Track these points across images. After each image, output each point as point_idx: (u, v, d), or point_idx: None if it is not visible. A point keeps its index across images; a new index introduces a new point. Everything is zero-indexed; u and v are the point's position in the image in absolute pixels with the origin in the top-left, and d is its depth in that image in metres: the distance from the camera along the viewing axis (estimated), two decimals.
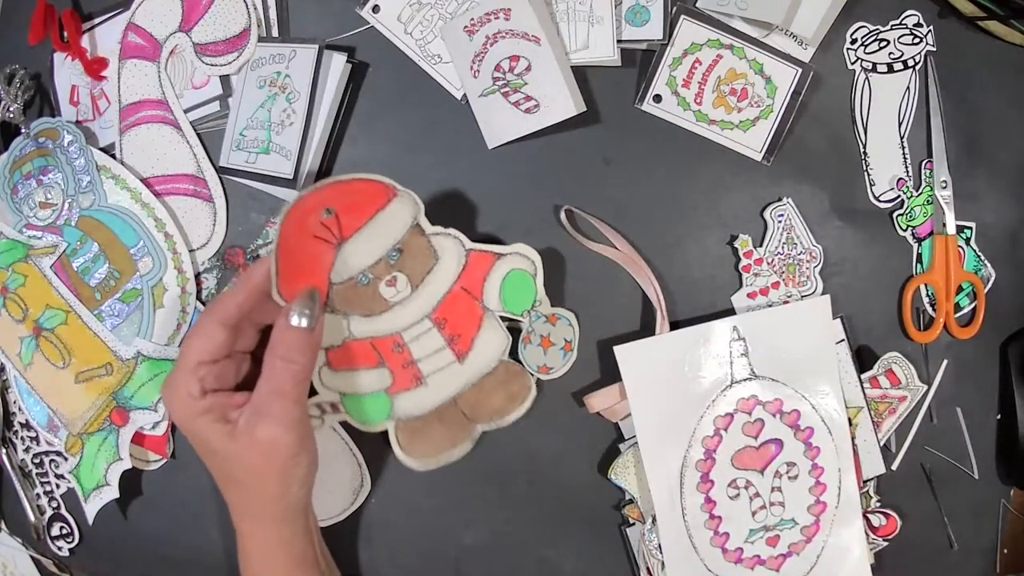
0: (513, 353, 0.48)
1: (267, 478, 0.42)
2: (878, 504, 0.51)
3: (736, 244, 0.50)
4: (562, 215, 0.50)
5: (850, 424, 0.49)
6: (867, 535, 0.50)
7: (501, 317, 0.47)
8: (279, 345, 0.42)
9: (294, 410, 0.41)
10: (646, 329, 0.50)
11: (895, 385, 0.50)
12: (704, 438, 0.48)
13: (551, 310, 0.48)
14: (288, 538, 0.43)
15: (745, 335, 0.48)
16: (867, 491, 0.50)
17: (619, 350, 0.48)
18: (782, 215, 0.49)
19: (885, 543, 0.50)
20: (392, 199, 0.45)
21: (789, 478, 0.48)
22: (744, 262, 0.49)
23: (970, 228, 0.51)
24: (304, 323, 0.42)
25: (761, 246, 0.50)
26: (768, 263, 0.49)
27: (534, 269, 0.47)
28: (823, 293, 0.49)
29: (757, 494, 0.48)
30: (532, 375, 0.48)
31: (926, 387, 0.51)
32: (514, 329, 0.48)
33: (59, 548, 0.59)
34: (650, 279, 0.49)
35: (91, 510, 0.56)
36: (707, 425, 0.48)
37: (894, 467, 0.51)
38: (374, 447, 0.53)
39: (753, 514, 0.48)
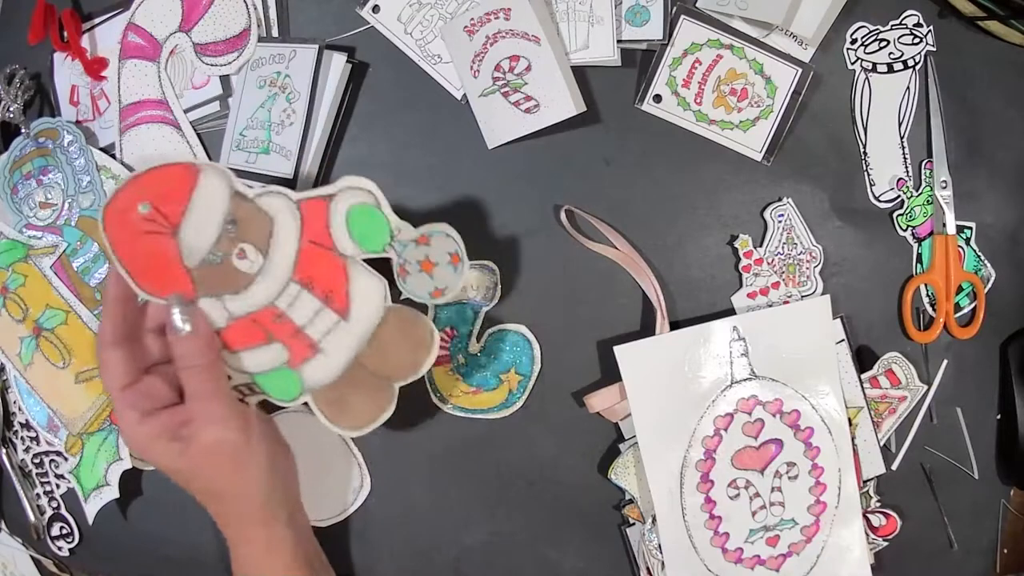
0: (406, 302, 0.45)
1: (230, 480, 0.42)
2: (878, 504, 0.51)
3: (736, 244, 0.50)
4: (562, 215, 0.50)
5: (850, 424, 0.49)
6: (867, 535, 0.50)
7: (368, 261, 0.45)
8: (177, 357, 0.42)
9: (221, 407, 0.42)
10: (646, 329, 0.50)
11: (895, 385, 0.50)
12: (704, 438, 0.48)
13: (418, 231, 0.44)
14: (276, 540, 0.43)
15: (745, 335, 0.48)
16: (867, 491, 0.50)
17: (619, 350, 0.48)
18: (782, 215, 0.49)
19: (885, 543, 0.50)
20: (199, 175, 0.43)
21: (789, 478, 0.48)
22: (744, 262, 0.49)
23: (970, 228, 0.51)
24: (186, 327, 0.42)
25: (761, 246, 0.50)
26: (768, 263, 0.49)
27: (374, 199, 0.43)
28: (823, 293, 0.49)
29: (757, 494, 0.48)
30: (428, 318, 0.45)
31: (926, 387, 0.51)
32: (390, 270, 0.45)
33: (59, 548, 0.59)
34: (650, 279, 0.49)
35: (91, 510, 0.56)
36: (707, 425, 0.48)
37: (894, 467, 0.51)
38: (374, 448, 0.53)
39: (753, 514, 0.48)
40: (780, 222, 0.50)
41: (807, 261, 0.50)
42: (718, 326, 0.48)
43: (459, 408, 0.52)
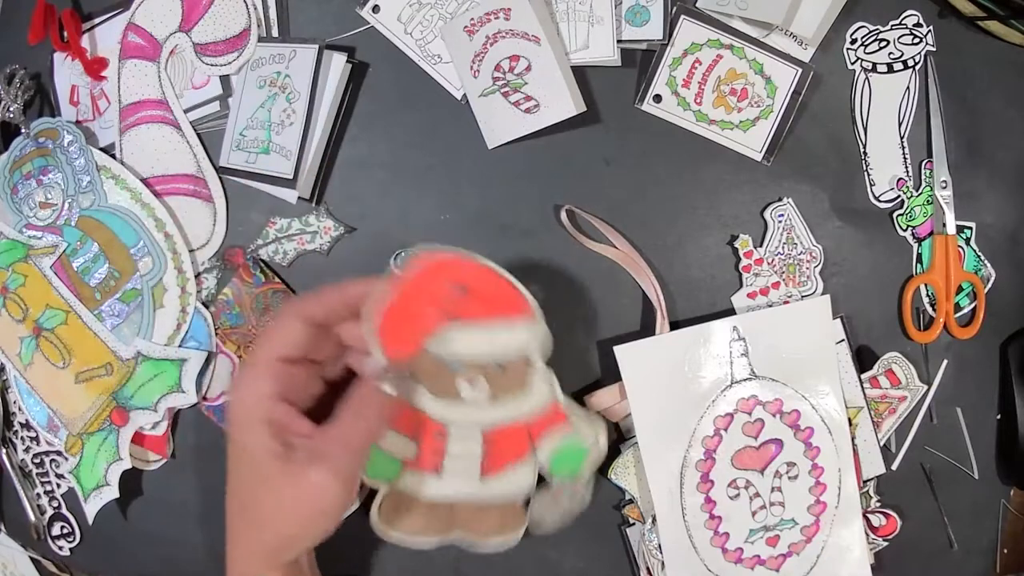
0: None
1: (293, 520, 0.39)
2: (878, 504, 0.51)
3: (736, 244, 0.50)
4: (562, 215, 0.50)
5: (850, 424, 0.49)
6: (867, 535, 0.50)
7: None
8: (357, 398, 0.40)
9: (352, 465, 0.39)
10: (646, 329, 0.50)
11: (895, 385, 0.50)
12: (704, 438, 0.48)
13: (583, 490, 0.47)
14: None
15: (745, 335, 0.48)
16: (867, 491, 0.50)
17: (619, 350, 0.48)
18: (782, 215, 0.49)
19: (885, 543, 0.50)
20: (524, 320, 0.43)
21: (789, 478, 0.48)
22: (744, 262, 0.49)
23: (970, 228, 0.51)
24: (391, 390, 0.41)
25: (761, 246, 0.50)
26: (768, 263, 0.49)
27: (594, 447, 0.46)
28: (823, 293, 0.49)
29: (757, 494, 0.48)
30: (527, 517, 0.47)
31: (926, 387, 0.51)
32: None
33: (60, 548, 0.59)
34: (650, 279, 0.49)
35: (91, 510, 0.56)
36: (707, 425, 0.48)
37: (894, 467, 0.51)
38: None
39: (753, 514, 0.48)
40: (780, 222, 0.50)
41: (807, 261, 0.50)
42: (718, 326, 0.48)
43: None
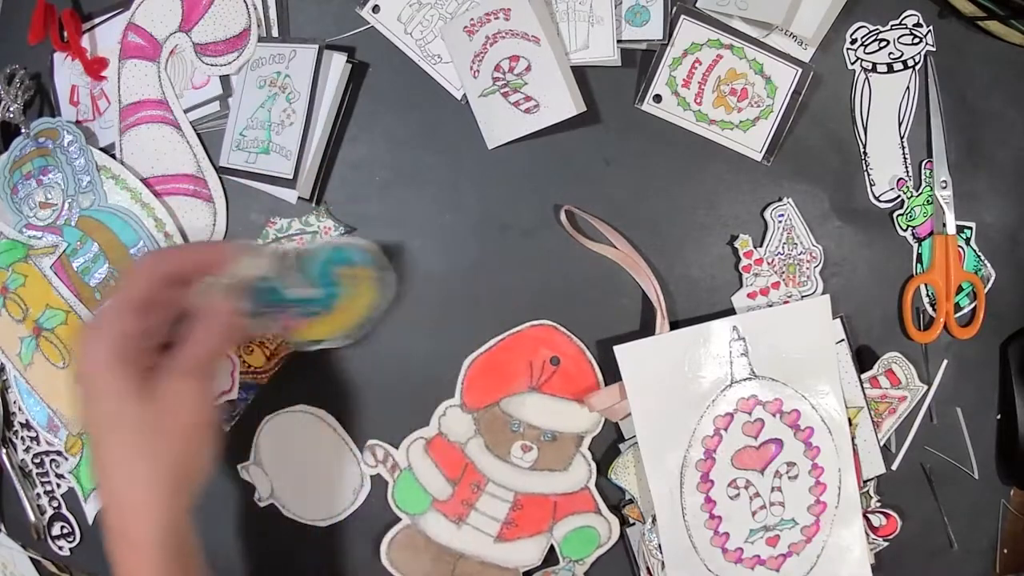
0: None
1: (172, 440, 0.39)
2: (878, 504, 0.51)
3: (736, 244, 0.50)
4: (562, 215, 0.50)
5: (850, 424, 0.49)
6: (867, 535, 0.50)
7: (552, 546, 0.50)
8: (204, 311, 0.41)
9: (207, 369, 0.41)
10: (646, 329, 0.50)
11: (895, 385, 0.50)
12: (704, 438, 0.48)
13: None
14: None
15: (745, 335, 0.48)
16: (867, 491, 0.50)
17: (619, 350, 0.48)
18: (782, 215, 0.49)
19: (885, 543, 0.50)
20: (594, 402, 0.48)
21: (789, 478, 0.48)
22: (744, 262, 0.49)
23: (970, 228, 0.51)
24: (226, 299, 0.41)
25: (761, 246, 0.50)
26: (768, 263, 0.49)
27: (606, 540, 0.50)
28: (823, 293, 0.49)
29: (757, 494, 0.48)
30: None
31: (926, 387, 0.51)
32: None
33: (60, 548, 0.59)
34: (650, 279, 0.49)
35: (91, 510, 0.56)
36: (707, 425, 0.48)
37: (894, 467, 0.51)
38: None
39: (753, 514, 0.48)
40: (780, 222, 0.50)
41: (807, 261, 0.50)
42: (718, 326, 0.48)
43: None
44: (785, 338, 0.48)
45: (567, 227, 0.50)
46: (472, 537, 0.49)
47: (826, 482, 0.48)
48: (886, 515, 0.50)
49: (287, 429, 0.53)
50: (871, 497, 0.51)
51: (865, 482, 0.50)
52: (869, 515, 0.50)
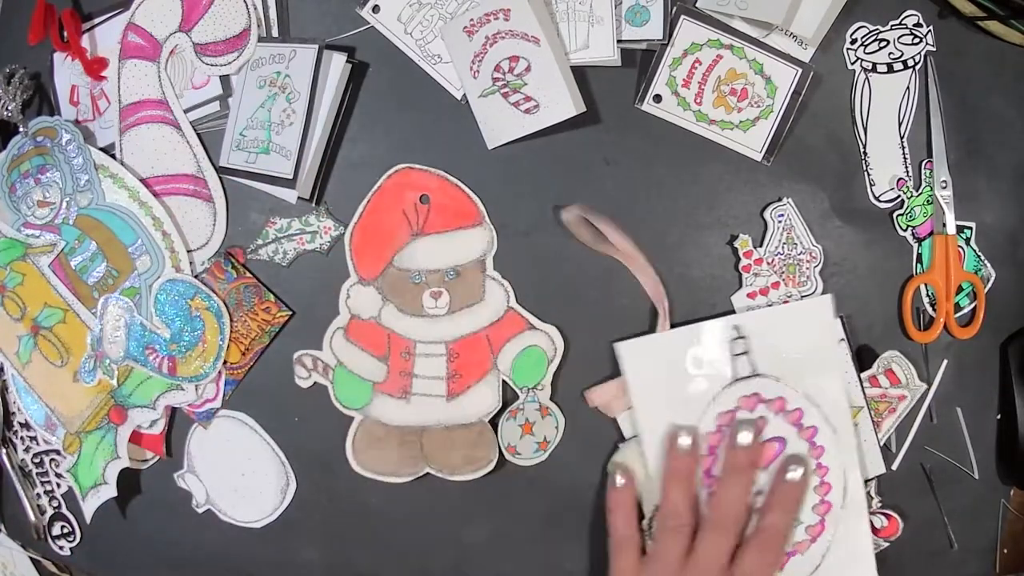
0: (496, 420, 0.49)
1: None
2: (879, 505, 0.51)
3: (736, 244, 0.50)
4: (563, 215, 0.50)
5: None
6: None
7: (504, 381, 0.49)
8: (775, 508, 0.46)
9: None
10: (646, 329, 0.50)
11: (895, 384, 0.50)
12: (706, 434, 0.48)
13: (547, 402, 0.49)
14: None
15: (747, 334, 0.48)
16: (868, 491, 0.50)
17: (620, 346, 0.48)
18: (782, 215, 0.49)
19: (886, 544, 0.50)
20: (478, 225, 0.47)
21: None
22: (744, 262, 0.49)
23: (970, 228, 0.51)
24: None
25: (761, 246, 0.50)
26: (768, 263, 0.49)
27: (553, 354, 0.48)
28: (823, 293, 0.49)
29: (760, 492, 0.48)
30: (498, 449, 0.49)
31: (926, 387, 0.51)
32: (510, 401, 0.49)
33: (60, 548, 0.59)
34: (651, 279, 0.49)
35: (89, 508, 0.56)
36: (709, 421, 0.48)
37: (894, 467, 0.51)
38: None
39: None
40: (780, 222, 0.50)
41: (807, 261, 0.50)
42: (719, 324, 0.48)
43: None
44: (787, 337, 0.48)
45: (570, 227, 0.50)
46: (424, 406, 0.48)
47: (831, 482, 0.48)
48: (888, 516, 0.50)
49: (211, 435, 0.54)
50: (872, 498, 0.51)
51: (866, 482, 0.50)
52: (871, 516, 0.50)
